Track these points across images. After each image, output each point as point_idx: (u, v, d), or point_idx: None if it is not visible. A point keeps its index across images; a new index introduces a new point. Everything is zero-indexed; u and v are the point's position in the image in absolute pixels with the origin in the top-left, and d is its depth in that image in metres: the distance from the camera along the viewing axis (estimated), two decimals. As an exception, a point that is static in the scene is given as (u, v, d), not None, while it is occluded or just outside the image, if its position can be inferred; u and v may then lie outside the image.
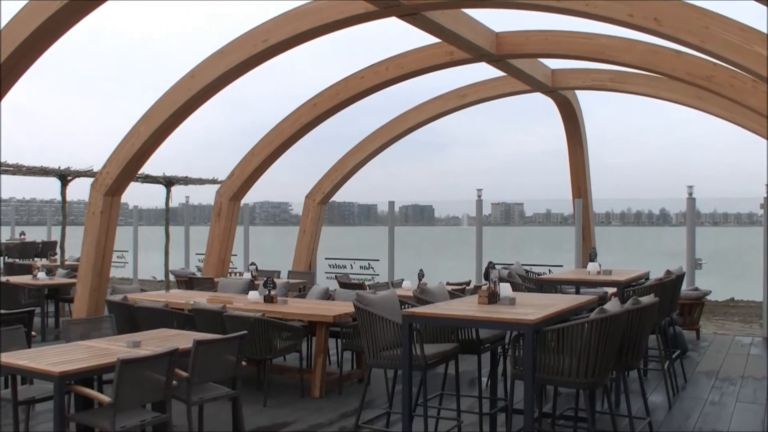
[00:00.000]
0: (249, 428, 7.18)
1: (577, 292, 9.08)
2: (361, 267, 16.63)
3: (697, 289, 12.34)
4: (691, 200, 13.69)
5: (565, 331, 5.21)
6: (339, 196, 17.09)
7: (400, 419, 6.62)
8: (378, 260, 16.43)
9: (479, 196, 15.61)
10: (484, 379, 7.59)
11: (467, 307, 5.67)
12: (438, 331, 6.25)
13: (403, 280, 11.61)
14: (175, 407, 6.23)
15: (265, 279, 9.52)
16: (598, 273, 9.42)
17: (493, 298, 5.79)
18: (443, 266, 18.02)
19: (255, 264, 12.21)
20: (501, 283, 5.99)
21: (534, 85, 12.92)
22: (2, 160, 15.64)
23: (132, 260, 20.60)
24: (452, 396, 7.09)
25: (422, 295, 6.78)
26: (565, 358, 5.23)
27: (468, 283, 11.97)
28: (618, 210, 24.55)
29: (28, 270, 15.04)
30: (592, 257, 10.00)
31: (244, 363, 7.01)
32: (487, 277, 5.86)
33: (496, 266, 6.08)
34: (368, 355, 5.98)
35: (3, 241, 23.89)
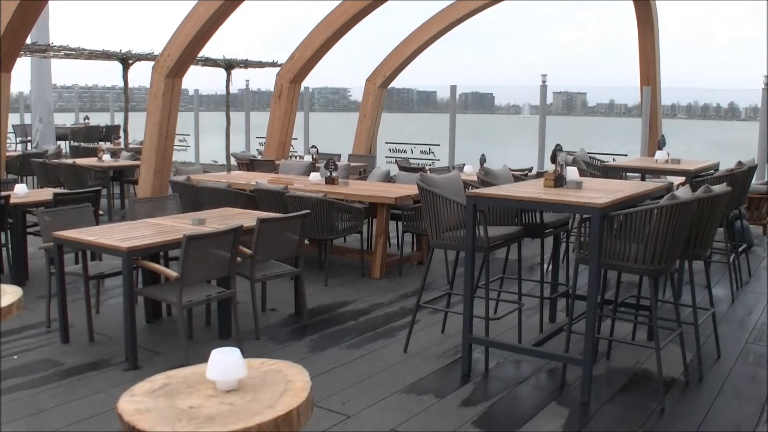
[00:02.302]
0: (311, 306, 7.30)
1: (642, 181, 8.90)
2: (421, 152, 16.53)
3: (767, 183, 12.01)
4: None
5: (633, 216, 5.10)
6: (398, 83, 16.87)
7: (460, 300, 6.65)
8: (438, 145, 16.30)
9: (543, 82, 15.23)
10: (546, 264, 7.57)
11: (533, 190, 5.58)
12: (501, 214, 6.19)
13: (464, 164, 11.50)
14: (239, 284, 6.35)
15: (327, 161, 9.50)
16: (666, 162, 9.20)
17: (559, 181, 5.67)
18: (504, 153, 17.80)
19: (316, 147, 12.22)
20: (568, 167, 5.86)
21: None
22: (65, 45, 15.72)
23: (194, 144, 20.78)
24: (513, 280, 7.08)
25: (486, 177, 6.69)
26: (632, 244, 5.14)
27: (530, 170, 11.82)
28: (684, 102, 23.82)
29: (93, 153, 15.27)
30: (661, 145, 9.74)
31: (306, 242, 7.06)
32: (553, 159, 5.73)
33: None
34: (431, 236, 5.96)
35: (68, 125, 24.27)
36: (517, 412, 5.07)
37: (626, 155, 13.84)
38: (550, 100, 16.71)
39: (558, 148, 5.73)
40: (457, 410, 5.04)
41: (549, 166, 5.90)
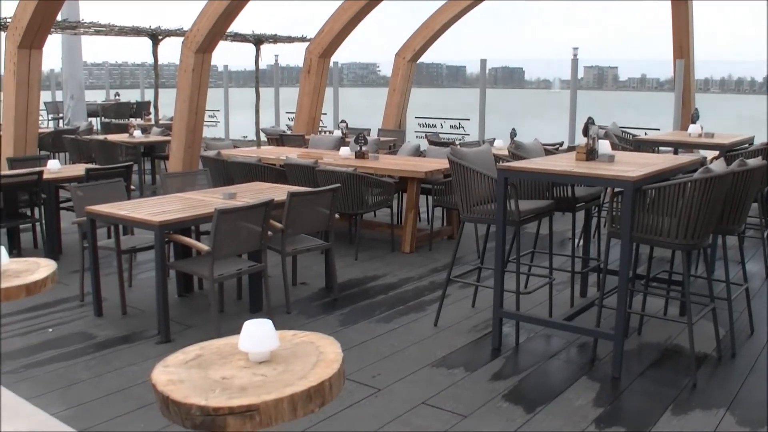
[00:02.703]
0: (341, 280, 7.32)
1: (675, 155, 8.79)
2: (451, 126, 16.43)
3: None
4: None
5: (666, 189, 5.04)
6: (427, 57, 16.78)
7: (490, 275, 6.66)
8: (468, 119, 16.20)
9: (575, 55, 15.02)
10: (577, 239, 7.52)
11: (565, 163, 5.53)
12: (533, 188, 6.15)
13: (494, 139, 11.43)
14: (270, 258, 6.38)
15: (357, 135, 9.49)
16: (700, 136, 9.08)
17: (591, 154, 5.62)
18: (534, 128, 17.66)
19: (345, 121, 12.20)
20: (600, 140, 5.80)
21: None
22: (95, 21, 15.79)
23: (223, 120, 20.84)
24: (544, 254, 7.06)
25: (517, 151, 6.64)
26: (665, 218, 5.09)
27: (560, 144, 11.72)
28: (717, 76, 23.44)
29: (124, 129, 15.35)
30: (694, 119, 9.62)
31: (336, 216, 7.07)
32: (585, 133, 5.67)
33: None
34: (461, 210, 5.94)
35: (99, 102, 24.44)
36: (548, 387, 5.06)
37: (658, 129, 13.67)
38: (581, 74, 16.51)
39: (590, 121, 5.68)
40: (487, 384, 5.04)
41: (580, 141, 5.85)
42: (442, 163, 8.60)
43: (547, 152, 7.31)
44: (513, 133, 9.80)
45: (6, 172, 8.89)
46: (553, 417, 4.54)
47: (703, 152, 9.00)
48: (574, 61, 15.13)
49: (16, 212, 8.45)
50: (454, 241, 8.58)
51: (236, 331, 2.71)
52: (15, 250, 8.51)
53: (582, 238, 6.96)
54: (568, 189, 6.19)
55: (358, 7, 13.98)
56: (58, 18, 12.74)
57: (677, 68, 14.39)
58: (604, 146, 5.78)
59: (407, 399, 4.78)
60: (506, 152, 7.92)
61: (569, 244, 8.53)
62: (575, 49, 15.03)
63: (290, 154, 9.51)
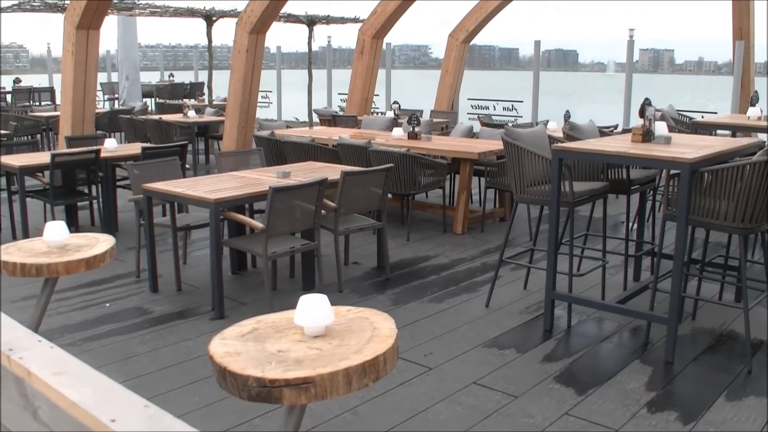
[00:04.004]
0: (393, 260, 7.34)
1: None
2: (504, 108, 16.32)
3: None
4: None
5: (724, 172, 4.96)
6: (479, 39, 16.62)
7: (543, 257, 6.62)
8: (522, 102, 16.07)
9: (631, 37, 14.78)
10: (631, 222, 7.44)
11: (620, 145, 5.46)
12: (587, 170, 6.09)
13: (547, 121, 11.33)
14: (323, 237, 6.42)
15: (410, 115, 9.48)
16: (759, 119, 8.90)
17: (647, 136, 5.54)
18: (588, 111, 17.46)
19: (398, 102, 12.19)
20: (656, 122, 5.72)
21: None
22: (150, 2, 15.98)
23: (276, 101, 20.95)
24: (597, 237, 7.00)
25: (572, 132, 6.58)
26: (722, 202, 5.01)
27: (615, 127, 11.58)
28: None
29: (178, 109, 15.54)
30: (753, 101, 9.43)
31: (389, 197, 7.09)
32: (642, 114, 5.60)
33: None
34: (515, 191, 5.91)
35: (154, 83, 24.76)
36: (600, 369, 5.03)
37: (716, 113, 13.42)
38: (636, 57, 16.23)
39: (647, 102, 5.60)
40: (538, 365, 5.03)
41: (635, 125, 5.78)
42: (495, 144, 8.55)
43: (602, 134, 7.24)
44: (567, 115, 9.72)
45: (64, 150, 9.07)
46: (605, 400, 4.52)
47: (762, 136, 8.82)
48: (630, 43, 14.88)
49: (74, 190, 8.62)
50: (505, 223, 8.55)
51: (289, 308, 2.75)
52: (73, 227, 8.67)
53: (636, 221, 6.88)
54: (623, 171, 6.13)
55: (412, -13, 13.94)
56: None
57: (737, 50, 14.09)
58: (660, 128, 5.70)
59: (458, 378, 4.79)
60: (560, 134, 7.86)
61: (623, 227, 8.44)
62: (631, 30, 14.78)
63: (343, 134, 9.53)
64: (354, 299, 6.33)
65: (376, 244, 7.30)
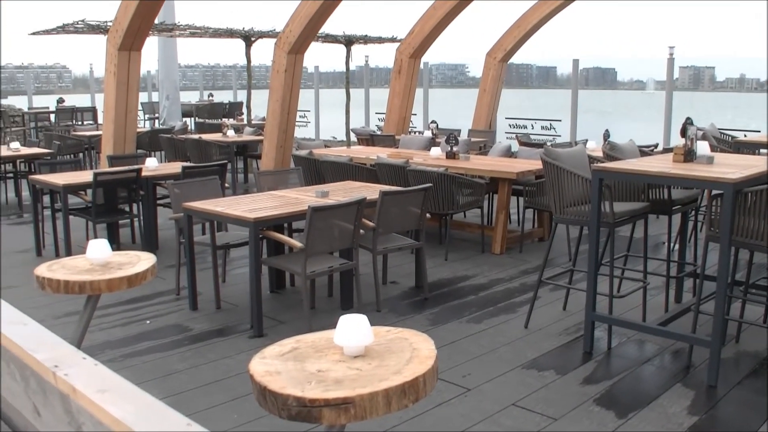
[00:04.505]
0: (431, 280, 7.33)
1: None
2: (542, 127, 16.27)
3: None
4: None
5: (768, 192, 4.89)
6: (517, 58, 16.61)
7: (582, 278, 6.56)
8: (560, 120, 16.00)
9: (671, 55, 14.67)
10: (672, 243, 7.35)
11: (661, 164, 5.41)
12: (627, 190, 6.04)
13: (587, 140, 11.27)
14: (361, 256, 6.43)
15: (448, 135, 9.48)
16: (803, 136, 8.77)
17: (689, 155, 5.49)
18: (627, 129, 17.34)
19: (435, 122, 12.21)
20: (698, 141, 5.66)
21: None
22: (190, 23, 16.18)
23: (314, 120, 21.08)
24: (637, 258, 6.92)
25: (612, 152, 6.54)
26: (766, 222, 4.94)
27: (655, 146, 11.48)
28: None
29: (217, 129, 15.69)
30: (797, 120, 9.30)
31: (427, 216, 7.08)
32: (683, 133, 5.54)
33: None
34: (554, 211, 5.88)
35: (193, 102, 25.05)
36: (641, 393, 4.96)
37: (759, 131, 13.25)
38: (676, 74, 16.09)
39: (688, 122, 5.55)
40: (578, 387, 4.98)
41: (676, 143, 5.72)
42: (534, 164, 8.52)
43: (643, 153, 7.18)
44: (606, 135, 9.66)
45: (106, 169, 9.19)
46: (646, 423, 4.45)
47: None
48: (670, 61, 14.75)
49: (115, 208, 8.73)
50: (544, 243, 8.51)
51: (327, 327, 2.75)
52: (114, 245, 8.76)
53: (678, 241, 6.80)
54: (664, 191, 6.06)
55: (449, 6, 13.96)
56: (156, 21, 13.07)
57: (780, 67, 13.89)
58: (702, 147, 5.64)
59: (497, 400, 4.75)
60: (600, 153, 7.82)
61: (664, 247, 8.35)
62: (671, 48, 14.66)
63: (381, 153, 9.55)
64: (392, 319, 6.32)
65: (415, 263, 7.30)
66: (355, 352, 2.57)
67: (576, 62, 16.05)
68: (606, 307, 5.78)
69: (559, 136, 15.75)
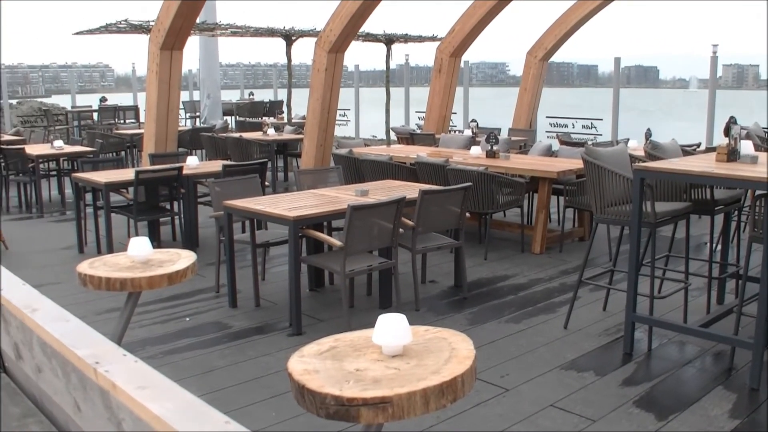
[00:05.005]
0: (470, 279, 7.30)
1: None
2: (583, 126, 16.13)
3: None
4: None
5: (814, 192, 4.80)
6: (558, 56, 16.47)
7: (623, 278, 6.49)
8: (601, 119, 15.85)
9: (714, 53, 14.45)
10: (714, 243, 7.25)
11: (704, 164, 5.34)
12: (669, 189, 5.97)
13: (628, 139, 11.16)
14: (400, 255, 6.42)
15: (488, 134, 9.45)
16: None
17: (733, 155, 5.41)
18: (669, 128, 17.13)
19: (476, 121, 12.17)
20: (742, 141, 5.58)
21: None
22: (231, 23, 16.31)
23: (354, 119, 21.12)
24: (679, 258, 6.83)
25: (654, 151, 6.46)
26: (811, 222, 4.85)
27: (698, 145, 11.33)
28: None
29: (258, 127, 15.78)
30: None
31: (467, 215, 7.06)
32: (727, 132, 5.46)
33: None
34: (595, 211, 5.83)
35: (234, 101, 25.22)
36: (681, 395, 4.90)
37: (805, 131, 13.01)
38: (719, 72, 15.84)
39: (732, 121, 5.47)
40: (618, 389, 4.93)
41: (719, 142, 5.64)
42: (575, 163, 8.46)
43: (685, 153, 7.10)
44: (648, 134, 9.56)
45: (148, 167, 9.29)
46: (687, 426, 4.40)
47: None
48: (713, 59, 14.52)
49: (156, 206, 8.82)
50: (584, 243, 8.44)
51: (366, 326, 2.75)
52: (155, 242, 8.84)
53: (720, 242, 6.70)
54: (706, 191, 5.98)
55: (489, 6, 13.91)
56: (197, 20, 13.18)
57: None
58: (746, 147, 5.55)
59: (535, 400, 4.72)
60: (641, 152, 7.74)
61: (706, 248, 8.24)
62: (714, 46, 14.44)
63: (421, 152, 9.54)
64: (431, 318, 6.32)
65: (454, 262, 7.28)
66: (394, 352, 2.57)
67: (618, 60, 15.89)
68: (647, 308, 5.72)
69: (600, 135, 15.60)
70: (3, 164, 11.88)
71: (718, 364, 5.41)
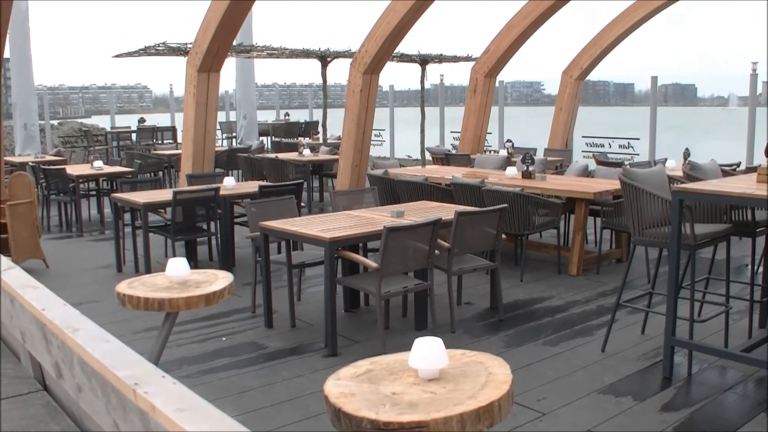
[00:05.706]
0: (506, 301, 7.25)
1: None
2: (619, 146, 15.99)
3: None
4: None
5: None
6: (594, 75, 16.38)
7: (662, 301, 6.40)
8: (638, 139, 15.71)
9: (754, 70, 14.26)
10: (756, 266, 7.14)
11: (745, 185, 5.27)
12: (709, 211, 5.90)
13: (666, 159, 11.05)
14: (436, 276, 6.40)
15: (524, 154, 9.41)
16: None
17: (774, 176, 5.34)
18: (708, 147, 16.93)
19: (511, 141, 12.14)
20: (783, 162, 5.50)
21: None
22: (267, 45, 16.46)
23: (389, 139, 21.16)
24: (719, 281, 6.73)
25: (692, 172, 6.40)
26: None
27: (738, 165, 11.19)
28: None
29: (293, 148, 15.89)
30: None
31: (503, 236, 7.02)
32: (768, 153, 5.40)
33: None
34: (633, 232, 5.77)
35: (270, 122, 25.42)
36: (722, 421, 4.81)
37: None
38: (759, 89, 15.63)
39: (773, 141, 5.39)
40: (657, 415, 4.85)
41: (760, 162, 5.57)
42: (612, 184, 8.39)
43: (724, 173, 7.02)
44: (686, 153, 9.47)
45: (185, 188, 9.37)
46: (730, 452, 4.32)
47: None
48: (753, 77, 14.34)
49: (194, 226, 8.89)
50: (622, 265, 8.35)
51: (402, 348, 2.74)
52: (192, 262, 8.88)
53: (762, 264, 6.60)
54: (747, 212, 5.90)
55: (524, 26, 13.89)
56: (234, 43, 13.31)
57: None
58: (788, 167, 5.47)
59: (573, 425, 4.67)
60: (680, 173, 7.66)
61: (747, 270, 8.12)
62: (754, 63, 14.27)
63: (456, 173, 9.53)
64: (466, 340, 6.28)
65: (490, 284, 7.24)
66: (430, 375, 2.56)
67: (654, 79, 15.78)
68: (686, 332, 5.63)
69: (638, 154, 15.46)
70: (45, 184, 12.06)
71: (760, 390, 5.30)
